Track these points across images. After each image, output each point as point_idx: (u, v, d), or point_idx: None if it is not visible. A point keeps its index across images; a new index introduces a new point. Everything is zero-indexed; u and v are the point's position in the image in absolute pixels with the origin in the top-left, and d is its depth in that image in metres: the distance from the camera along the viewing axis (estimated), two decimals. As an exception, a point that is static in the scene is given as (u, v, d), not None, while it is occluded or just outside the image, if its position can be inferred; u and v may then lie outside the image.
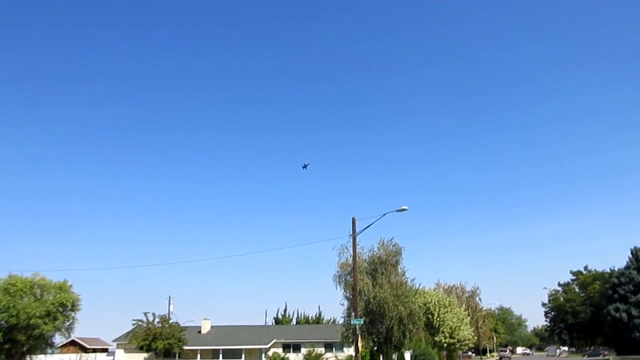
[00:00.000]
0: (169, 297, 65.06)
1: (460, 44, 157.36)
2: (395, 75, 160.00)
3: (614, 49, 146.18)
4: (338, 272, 35.49)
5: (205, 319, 65.20)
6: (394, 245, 36.29)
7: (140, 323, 50.87)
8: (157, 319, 51.65)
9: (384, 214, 27.43)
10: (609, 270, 63.60)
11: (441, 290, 70.53)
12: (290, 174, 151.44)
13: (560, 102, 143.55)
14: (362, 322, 28.49)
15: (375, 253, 36.15)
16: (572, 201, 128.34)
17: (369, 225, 27.73)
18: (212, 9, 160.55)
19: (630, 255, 55.54)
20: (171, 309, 62.60)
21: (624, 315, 52.19)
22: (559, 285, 74.07)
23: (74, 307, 41.24)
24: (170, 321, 53.12)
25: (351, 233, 27.66)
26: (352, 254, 29.16)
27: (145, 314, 51.54)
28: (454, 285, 78.45)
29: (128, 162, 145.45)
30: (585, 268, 68.16)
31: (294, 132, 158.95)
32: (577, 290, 71.66)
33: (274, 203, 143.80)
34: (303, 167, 60.06)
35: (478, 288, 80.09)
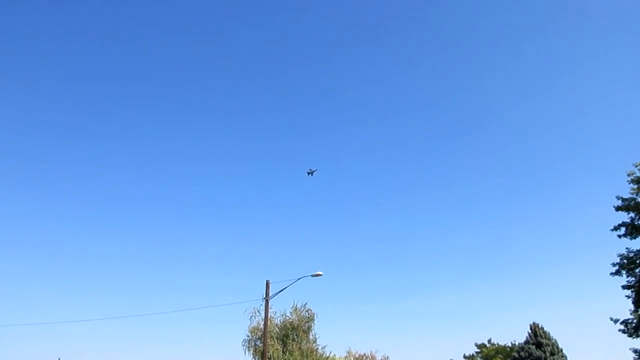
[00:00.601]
0: (59, 359, 59.11)
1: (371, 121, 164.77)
2: (306, 139, 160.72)
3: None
4: (248, 336, 34.32)
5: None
6: (307, 311, 35.90)
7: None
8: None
9: (299, 278, 27.19)
10: (510, 344, 66.17)
11: (352, 358, 69.73)
12: (207, 233, 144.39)
13: (478, 182, 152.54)
14: (268, 392, 27.29)
15: (287, 318, 35.43)
16: (478, 273, 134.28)
17: (283, 289, 27.28)
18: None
19: (530, 331, 58.24)
20: (61, 372, 56.69)
21: (523, 389, 53.98)
22: (464, 357, 75.75)
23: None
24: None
25: (264, 296, 26.98)
26: (263, 318, 28.35)
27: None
28: (365, 354, 77.92)
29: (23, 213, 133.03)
30: (489, 341, 70.41)
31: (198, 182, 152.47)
32: (481, 363, 73.98)
33: (182, 261, 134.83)
34: (308, 174, 58.06)
35: (388, 357, 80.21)
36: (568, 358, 56.77)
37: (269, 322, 28.28)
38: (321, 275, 27.69)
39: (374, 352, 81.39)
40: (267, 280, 27.37)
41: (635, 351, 31.12)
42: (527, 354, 56.74)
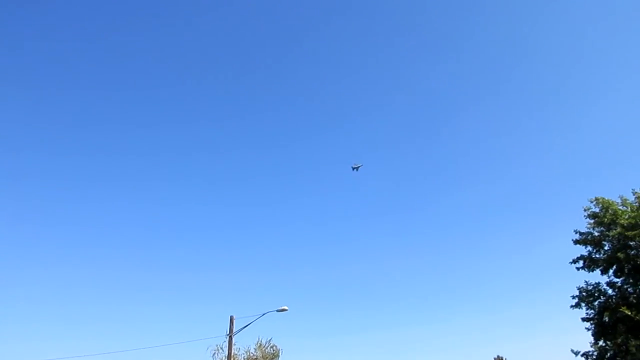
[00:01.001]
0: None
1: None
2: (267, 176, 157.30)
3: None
4: (210, 374, 33.17)
5: None
6: (272, 347, 35.21)
7: None
8: None
9: (264, 314, 26.81)
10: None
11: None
12: (165, 261, 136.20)
13: (435, 212, 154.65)
14: None
15: (251, 355, 34.58)
16: (442, 307, 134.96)
17: (247, 325, 26.78)
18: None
19: (494, 364, 58.57)
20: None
21: None
22: (431, 392, 75.67)
23: None
24: None
25: (228, 332, 26.38)
26: (227, 355, 27.58)
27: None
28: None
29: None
30: (455, 376, 70.54)
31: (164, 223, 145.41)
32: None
33: (137, 293, 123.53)
34: (353, 169, 59.29)
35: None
36: (532, 392, 57.17)
37: (232, 360, 27.50)
38: (287, 310, 27.39)
39: (339, 388, 79.96)
40: (231, 316, 26.83)
41: (596, 383, 31.56)
42: (492, 388, 56.89)
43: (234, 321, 26.61)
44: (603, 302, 31.02)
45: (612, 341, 30.09)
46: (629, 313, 27.20)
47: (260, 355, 34.42)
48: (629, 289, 30.46)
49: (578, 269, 32.37)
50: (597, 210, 31.85)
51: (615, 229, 29.99)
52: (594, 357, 31.09)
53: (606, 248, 31.46)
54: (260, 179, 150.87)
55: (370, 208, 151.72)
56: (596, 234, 31.74)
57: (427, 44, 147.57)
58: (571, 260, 32.67)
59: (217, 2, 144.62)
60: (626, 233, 29.07)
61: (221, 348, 32.59)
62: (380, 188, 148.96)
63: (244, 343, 38.64)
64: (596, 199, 32.03)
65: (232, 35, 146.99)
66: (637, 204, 30.67)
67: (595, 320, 31.06)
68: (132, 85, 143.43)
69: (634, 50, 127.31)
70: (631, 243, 29.77)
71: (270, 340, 35.39)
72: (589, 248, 32.17)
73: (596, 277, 32.03)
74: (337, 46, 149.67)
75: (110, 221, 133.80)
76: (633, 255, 29.62)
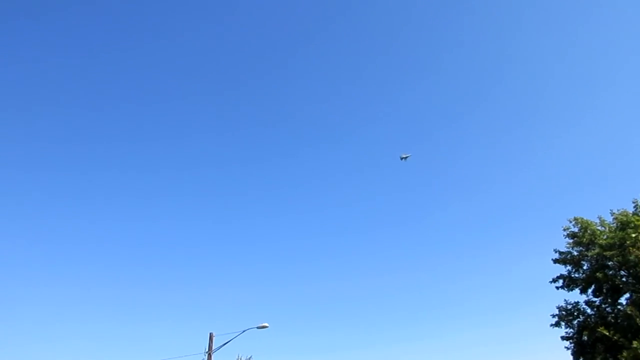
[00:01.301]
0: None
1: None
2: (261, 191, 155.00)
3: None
4: (188, 393, 32.67)
5: None
6: (252, 365, 34.82)
7: None
8: None
9: (244, 331, 26.57)
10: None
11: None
12: (142, 279, 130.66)
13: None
14: None
15: (231, 372, 34.15)
16: (428, 323, 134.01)
17: (227, 342, 26.48)
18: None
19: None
20: None
21: None
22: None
23: None
24: None
25: (207, 350, 26.05)
26: (205, 372, 27.18)
27: None
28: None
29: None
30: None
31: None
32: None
33: (116, 311, 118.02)
34: (402, 159, 59.40)
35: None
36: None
37: (211, 378, 27.09)
38: (267, 327, 27.17)
39: (321, 407, 79.05)
40: (210, 333, 26.53)
41: (576, 401, 31.63)
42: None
43: (214, 338, 26.30)
44: (582, 321, 31.28)
45: (591, 360, 30.27)
46: (607, 333, 27.43)
47: (240, 373, 34.04)
48: (607, 309, 30.78)
49: (558, 288, 32.71)
50: (576, 230, 32.26)
51: (593, 249, 30.39)
52: (574, 376, 31.20)
53: (585, 267, 31.83)
54: (243, 195, 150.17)
55: (356, 223, 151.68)
56: (575, 253, 32.11)
57: (410, 58, 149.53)
58: (551, 280, 33.01)
59: (221, 5, 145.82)
60: (604, 253, 29.47)
61: (200, 365, 32.15)
62: (369, 203, 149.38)
63: (225, 360, 38.24)
64: (575, 219, 32.45)
65: (233, 39, 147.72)
66: (615, 224, 31.15)
67: (575, 339, 31.27)
68: (132, 97, 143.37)
69: (616, 69, 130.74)
70: (609, 263, 30.18)
71: (250, 358, 35.10)
72: (569, 267, 32.54)
73: (575, 296, 32.37)
74: (333, 53, 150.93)
75: (88, 237, 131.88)
76: (611, 275, 30.03)
